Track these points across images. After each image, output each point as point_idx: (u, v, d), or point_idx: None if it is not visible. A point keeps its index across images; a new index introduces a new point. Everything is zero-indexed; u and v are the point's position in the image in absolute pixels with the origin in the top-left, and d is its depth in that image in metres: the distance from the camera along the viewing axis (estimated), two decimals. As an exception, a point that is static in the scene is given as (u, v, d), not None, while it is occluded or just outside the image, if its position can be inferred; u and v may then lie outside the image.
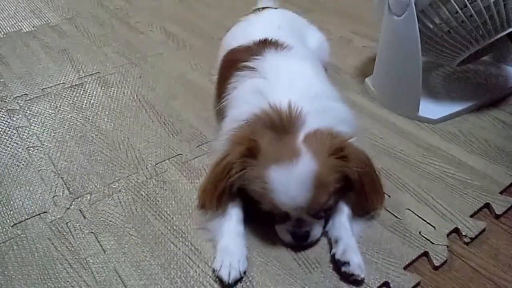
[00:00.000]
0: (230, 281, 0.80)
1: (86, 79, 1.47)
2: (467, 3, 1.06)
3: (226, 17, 1.81)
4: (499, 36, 1.12)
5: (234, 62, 1.09)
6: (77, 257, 0.88)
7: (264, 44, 1.11)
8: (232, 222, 0.88)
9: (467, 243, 0.90)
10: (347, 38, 1.69)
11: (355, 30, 1.73)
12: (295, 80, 0.98)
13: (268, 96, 0.92)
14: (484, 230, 0.92)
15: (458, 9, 1.08)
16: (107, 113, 1.30)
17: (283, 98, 0.90)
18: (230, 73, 1.07)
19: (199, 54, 1.61)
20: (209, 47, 1.60)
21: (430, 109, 1.23)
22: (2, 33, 1.80)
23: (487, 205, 0.97)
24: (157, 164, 1.11)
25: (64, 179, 1.07)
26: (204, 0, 2.08)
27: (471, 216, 0.95)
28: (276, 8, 1.43)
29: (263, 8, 1.42)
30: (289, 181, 0.80)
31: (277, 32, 1.17)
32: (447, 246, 0.88)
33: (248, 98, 0.97)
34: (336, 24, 1.77)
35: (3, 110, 1.32)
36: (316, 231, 0.88)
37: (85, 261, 0.87)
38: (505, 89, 1.33)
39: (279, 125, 0.87)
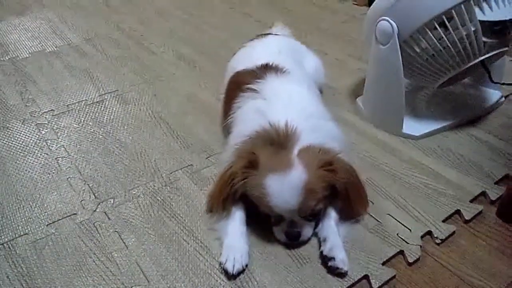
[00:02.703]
0: (234, 273, 0.94)
1: (105, 97, 1.62)
2: (443, 35, 1.22)
3: (232, 39, 1.97)
4: (472, 63, 1.26)
5: (239, 84, 1.22)
6: (103, 252, 1.02)
7: (266, 68, 1.23)
8: (236, 223, 1.02)
9: (438, 244, 1.03)
10: (342, 60, 1.82)
11: (350, 52, 1.87)
12: (292, 101, 1.12)
13: (268, 115, 1.05)
14: (454, 233, 1.06)
15: (435, 40, 1.22)
16: (125, 127, 1.44)
17: (281, 117, 1.03)
18: (236, 94, 1.21)
19: (207, 74, 1.74)
20: (216, 67, 1.72)
21: (413, 126, 1.36)
22: (28, 52, 1.96)
23: (458, 212, 1.11)
24: (171, 173, 1.25)
25: (90, 185, 1.22)
26: (211, 22, 2.23)
27: (443, 221, 1.08)
28: (277, 35, 1.59)
29: (266, 34, 1.58)
30: (283, 187, 0.94)
31: (277, 57, 1.30)
32: (421, 246, 1.02)
33: (251, 116, 1.10)
34: (333, 47, 1.91)
35: (33, 124, 1.48)
36: (307, 231, 1.01)
37: (110, 255, 1.02)
38: (481, 108, 1.46)
39: (277, 141, 1.00)
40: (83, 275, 0.97)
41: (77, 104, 1.59)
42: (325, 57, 1.65)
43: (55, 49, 1.99)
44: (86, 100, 1.61)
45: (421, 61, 1.29)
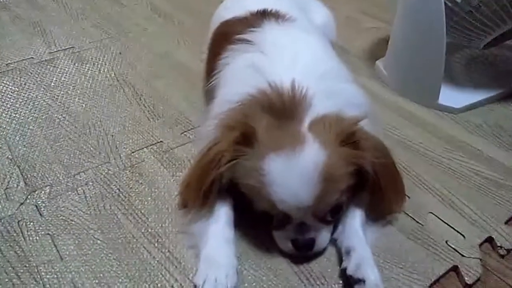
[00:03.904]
0: (215, 301, 0.65)
1: (58, 54, 1.33)
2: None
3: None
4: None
5: (227, 35, 0.98)
6: (27, 265, 0.72)
7: (263, 16, 0.99)
8: (219, 225, 0.74)
9: (502, 256, 0.76)
10: (354, 18, 1.57)
11: (362, 9, 1.62)
12: (299, 56, 0.85)
13: (266, 74, 0.80)
14: (523, 240, 0.78)
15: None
16: (78, 92, 1.16)
17: (285, 76, 0.78)
18: (222, 48, 0.95)
19: (188, 31, 1.48)
20: (199, 24, 1.46)
21: (451, 96, 1.11)
22: (-31, 3, 1.64)
23: (524, 210, 0.83)
24: (133, 152, 0.97)
25: (20, 167, 0.92)
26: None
27: (506, 223, 0.81)
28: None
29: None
30: (291, 173, 0.68)
31: (278, 2, 1.05)
32: (480, 259, 0.74)
33: (243, 75, 0.86)
34: (341, 3, 1.64)
35: (-42, 86, 1.16)
36: (323, 238, 0.74)
37: (36, 270, 0.72)
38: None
39: (280, 108, 0.74)
40: (-9, 302, 0.66)
41: (19, 62, 1.30)
42: (332, 13, 1.37)
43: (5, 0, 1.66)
44: (32, 58, 1.32)
45: (469, 10, 1.01)
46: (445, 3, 0.99)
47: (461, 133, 1.02)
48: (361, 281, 0.66)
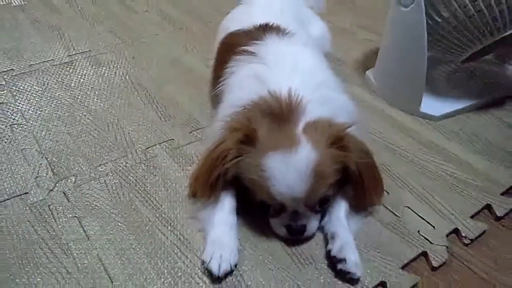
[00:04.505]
0: (220, 274, 0.76)
1: (76, 57, 1.42)
2: (478, -4, 1.03)
3: (226, 2, 1.75)
4: (508, 33, 1.08)
5: (233, 46, 1.06)
6: (58, 242, 0.83)
7: (265, 29, 1.07)
8: (224, 212, 0.84)
9: (466, 245, 0.87)
10: (350, 30, 1.65)
11: (356, 21, 1.70)
12: (296, 67, 0.94)
13: (267, 83, 0.89)
14: (484, 232, 0.89)
15: (468, 3, 1.04)
16: (96, 93, 1.25)
17: (284, 85, 0.87)
18: (228, 57, 1.04)
19: (196, 37, 1.57)
20: (206, 31, 1.56)
21: (432, 105, 1.20)
22: (-9, 6, 1.73)
23: (488, 206, 0.94)
24: (147, 148, 1.06)
25: (48, 159, 1.02)
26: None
27: (472, 217, 0.92)
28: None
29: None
30: (287, 169, 0.77)
31: (279, 16, 1.13)
32: (446, 247, 0.85)
33: (247, 83, 0.94)
34: (337, 15, 1.73)
35: (-13, 85, 1.27)
36: (313, 225, 0.84)
37: (66, 247, 0.82)
38: (508, 89, 1.30)
39: (278, 112, 0.83)
40: (30, 271, 0.78)
41: (41, 64, 1.39)
42: (329, 26, 1.46)
43: (23, 2, 1.78)
44: (52, 60, 1.41)
45: (449, 29, 1.11)
46: (427, 21, 1.09)
47: (440, 138, 1.12)
48: (343, 260, 0.77)
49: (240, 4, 1.31)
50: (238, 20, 1.19)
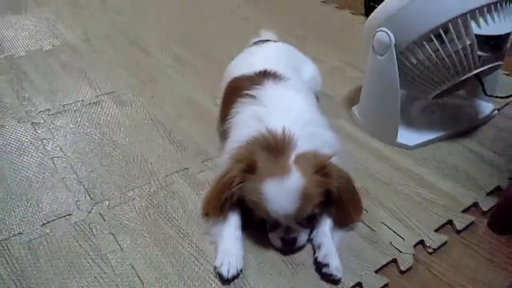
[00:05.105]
0: (229, 277, 0.95)
1: (102, 98, 1.62)
2: (439, 47, 1.24)
3: (231, 43, 1.93)
4: (467, 76, 1.28)
5: (237, 89, 1.23)
6: (98, 253, 1.02)
7: (264, 75, 1.25)
8: (231, 227, 1.02)
9: (430, 253, 1.05)
10: (339, 68, 1.83)
11: (346, 60, 1.87)
12: (289, 108, 1.13)
13: (265, 122, 1.06)
14: (445, 242, 1.07)
15: (432, 52, 1.25)
16: (122, 129, 1.44)
17: (279, 123, 1.04)
18: (234, 99, 1.21)
19: (204, 77, 1.74)
20: (213, 71, 1.69)
21: (407, 136, 1.38)
22: (24, 50, 1.95)
23: (450, 222, 1.12)
24: (166, 176, 1.25)
25: (85, 186, 1.22)
26: (210, 26, 2.23)
27: (435, 230, 1.10)
28: (276, 41, 1.60)
29: (264, 40, 1.59)
30: (281, 193, 0.95)
31: (275, 64, 1.31)
32: (413, 255, 1.03)
33: (249, 122, 1.11)
34: (329, 55, 1.92)
35: (29, 123, 1.47)
36: (302, 237, 1.02)
37: (105, 257, 1.02)
38: (474, 120, 1.49)
39: (274, 146, 1.01)
40: (78, 276, 0.97)
41: (73, 104, 1.59)
42: (321, 64, 1.66)
43: (52, 48, 1.98)
44: (82, 100, 1.61)
45: (417, 72, 1.31)
46: (400, 65, 1.28)
47: (413, 165, 1.30)
48: (327, 265, 0.96)
49: (243, 52, 1.51)
50: (241, 66, 1.37)
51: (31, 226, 1.09)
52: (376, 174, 1.28)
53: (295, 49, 1.56)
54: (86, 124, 1.48)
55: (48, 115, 1.52)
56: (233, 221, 1.04)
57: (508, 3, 1.26)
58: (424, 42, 1.24)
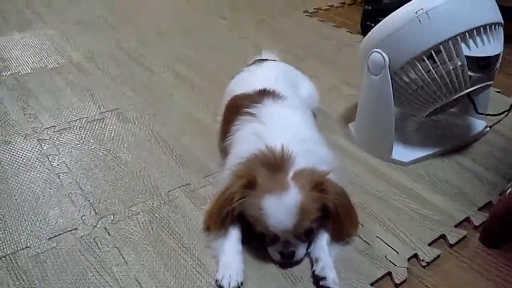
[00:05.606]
0: (229, 290, 0.98)
1: (106, 115, 1.66)
2: (431, 68, 1.29)
3: (230, 61, 2.02)
4: (459, 95, 1.34)
5: (238, 107, 1.27)
6: (103, 267, 1.06)
7: (263, 93, 1.28)
8: (232, 241, 1.06)
9: (424, 266, 1.09)
10: (336, 85, 1.89)
11: (343, 78, 1.92)
12: (287, 126, 1.18)
13: (265, 139, 1.10)
14: (439, 256, 1.11)
15: (424, 73, 1.30)
16: (126, 145, 1.49)
17: (278, 141, 1.08)
18: (234, 117, 1.26)
19: (205, 95, 1.79)
20: (214, 89, 1.77)
21: (402, 153, 1.43)
22: (30, 68, 2.00)
23: (443, 236, 1.16)
24: (169, 191, 1.29)
25: (90, 201, 1.26)
26: (211, 44, 2.29)
27: (429, 244, 1.14)
28: (274, 60, 1.66)
29: (264, 59, 1.64)
30: (279, 208, 0.99)
31: (274, 82, 1.36)
32: (407, 268, 1.07)
33: (249, 139, 1.15)
34: (326, 73, 1.98)
35: (35, 139, 1.52)
36: (301, 251, 1.06)
37: (110, 270, 1.05)
38: (467, 137, 1.54)
39: (273, 163, 1.05)
40: (84, 289, 1.01)
41: (78, 121, 1.63)
42: (319, 82, 1.71)
43: (57, 65, 2.03)
44: (87, 117, 1.65)
45: (411, 91, 1.36)
46: (394, 85, 1.33)
47: (407, 181, 1.34)
48: (324, 278, 0.99)
49: (243, 71, 1.56)
50: (241, 85, 1.41)
51: (38, 240, 1.13)
52: (372, 189, 1.32)
53: (293, 68, 1.62)
54: (91, 140, 1.52)
55: (54, 131, 1.57)
56: (234, 235, 1.07)
57: (497, 26, 1.32)
58: (417, 63, 1.29)
